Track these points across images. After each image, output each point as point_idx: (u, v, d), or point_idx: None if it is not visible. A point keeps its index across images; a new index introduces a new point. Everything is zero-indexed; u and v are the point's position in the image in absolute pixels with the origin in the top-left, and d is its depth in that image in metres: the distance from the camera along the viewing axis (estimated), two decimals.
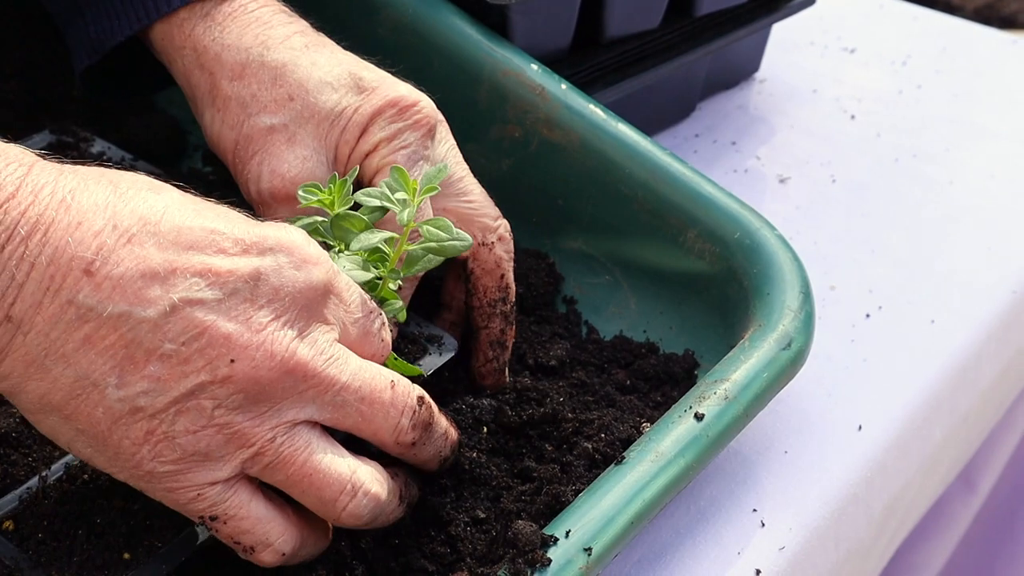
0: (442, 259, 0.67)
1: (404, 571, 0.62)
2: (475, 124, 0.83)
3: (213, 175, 0.93)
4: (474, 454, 0.67)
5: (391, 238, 0.64)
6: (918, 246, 0.93)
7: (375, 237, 0.63)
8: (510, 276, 0.74)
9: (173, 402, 0.51)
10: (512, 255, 0.75)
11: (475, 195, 0.74)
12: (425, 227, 0.64)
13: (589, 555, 0.56)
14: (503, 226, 0.74)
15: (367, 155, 0.71)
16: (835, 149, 1.05)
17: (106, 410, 0.51)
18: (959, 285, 0.90)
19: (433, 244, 0.64)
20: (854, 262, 0.91)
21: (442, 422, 0.62)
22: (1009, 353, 0.91)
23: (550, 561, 0.56)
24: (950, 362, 0.84)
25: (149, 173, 0.83)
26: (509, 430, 0.69)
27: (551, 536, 0.57)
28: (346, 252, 0.64)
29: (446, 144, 0.73)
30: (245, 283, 0.53)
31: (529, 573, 0.56)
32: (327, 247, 0.65)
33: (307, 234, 0.57)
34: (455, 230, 0.65)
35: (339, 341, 0.57)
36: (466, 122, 0.83)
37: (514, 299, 0.74)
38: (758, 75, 1.14)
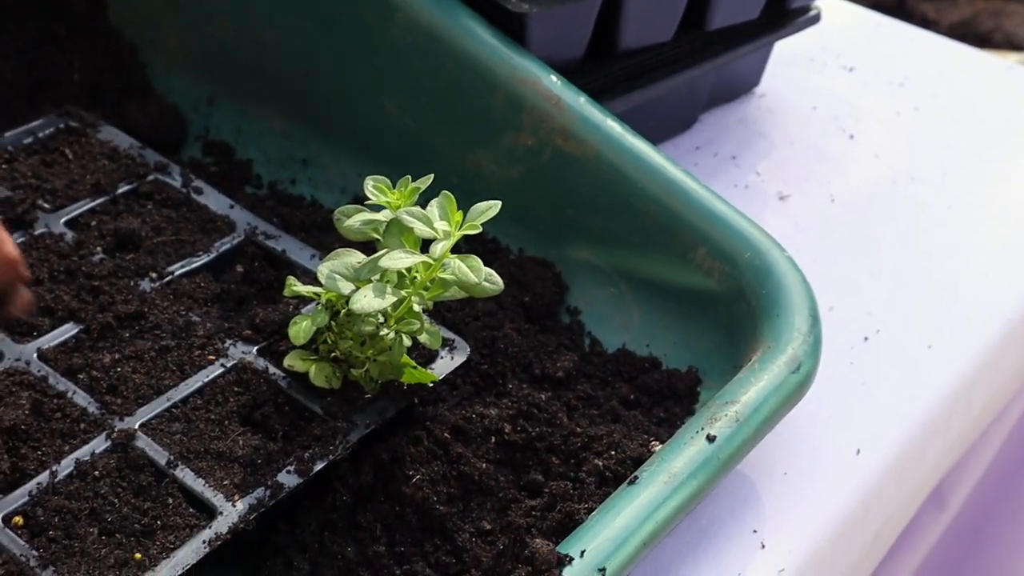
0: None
1: None
2: (487, 130, 0.83)
3: (215, 166, 0.92)
4: (483, 464, 0.67)
5: (425, 262, 0.63)
6: (916, 270, 0.94)
7: (407, 260, 0.62)
8: None
9: None
10: None
11: None
12: (456, 262, 0.63)
13: (603, 575, 0.57)
14: None
15: None
16: (834, 168, 1.05)
17: None
18: (955, 311, 0.90)
19: (463, 281, 0.63)
20: (853, 284, 0.91)
21: None
22: (1002, 380, 0.92)
23: None
24: (946, 388, 0.84)
25: (156, 162, 0.83)
26: (517, 445, 0.69)
27: (566, 556, 0.57)
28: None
29: None
30: None
31: None
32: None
33: None
34: (485, 270, 0.63)
35: None
36: (478, 127, 0.83)
37: None
38: (758, 90, 1.14)
